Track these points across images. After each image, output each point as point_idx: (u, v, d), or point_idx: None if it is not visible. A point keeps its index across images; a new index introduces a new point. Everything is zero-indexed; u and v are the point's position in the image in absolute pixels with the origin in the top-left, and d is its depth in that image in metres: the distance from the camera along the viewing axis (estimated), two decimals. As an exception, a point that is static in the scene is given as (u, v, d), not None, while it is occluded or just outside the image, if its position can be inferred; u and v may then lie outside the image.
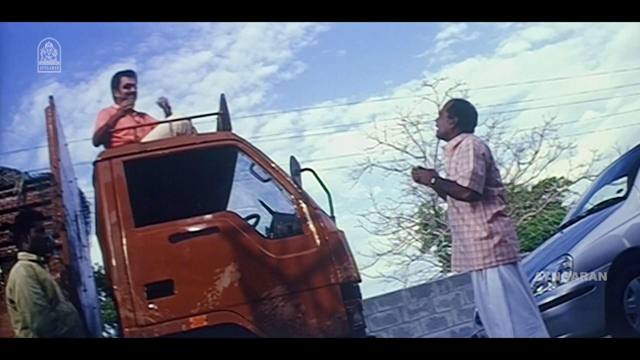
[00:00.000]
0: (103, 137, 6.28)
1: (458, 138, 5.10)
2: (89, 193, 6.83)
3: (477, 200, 4.98)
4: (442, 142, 5.61)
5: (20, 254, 5.27)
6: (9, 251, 5.54)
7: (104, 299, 13.61)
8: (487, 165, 4.96)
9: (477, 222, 4.91)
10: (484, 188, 4.91)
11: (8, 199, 5.87)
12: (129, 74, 6.72)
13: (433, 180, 5.13)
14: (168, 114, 6.41)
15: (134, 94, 6.63)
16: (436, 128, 5.45)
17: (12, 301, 5.12)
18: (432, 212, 23.11)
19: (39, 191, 5.90)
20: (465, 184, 4.88)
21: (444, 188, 5.17)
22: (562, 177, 25.70)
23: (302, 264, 5.58)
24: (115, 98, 6.61)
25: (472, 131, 5.27)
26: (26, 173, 6.05)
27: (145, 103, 6.83)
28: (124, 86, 6.57)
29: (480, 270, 4.88)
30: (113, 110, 6.47)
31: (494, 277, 4.81)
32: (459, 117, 5.19)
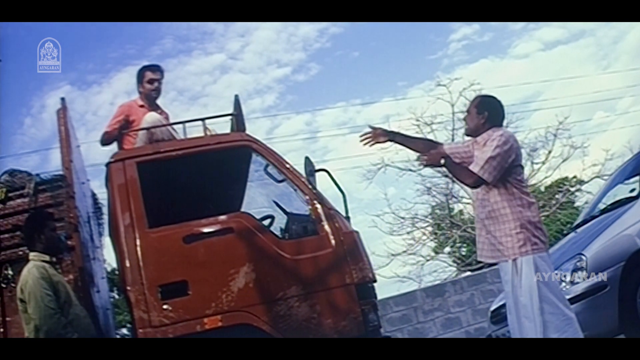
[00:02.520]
0: (113, 135, 6.34)
1: (490, 132, 5.13)
2: (102, 195, 6.82)
3: (478, 187, 5.09)
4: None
5: (32, 254, 5.24)
6: (20, 253, 5.51)
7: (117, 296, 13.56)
8: (516, 155, 5.03)
9: (513, 211, 4.94)
10: (516, 179, 5.00)
11: (19, 200, 5.85)
12: (154, 68, 6.78)
13: (443, 161, 5.17)
14: None
15: (158, 90, 6.70)
16: (465, 126, 5.50)
17: (22, 301, 5.09)
18: (446, 212, 23.10)
19: (50, 193, 5.87)
20: (476, 169, 4.97)
21: (452, 169, 5.26)
22: (575, 177, 25.73)
23: (317, 265, 5.57)
24: (139, 92, 6.68)
25: (502, 125, 5.34)
26: (37, 175, 6.04)
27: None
28: (148, 81, 6.63)
29: (515, 260, 4.89)
30: (135, 105, 6.52)
31: (529, 266, 4.83)
32: (488, 111, 5.23)
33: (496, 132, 5.07)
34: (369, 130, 5.49)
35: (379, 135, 5.46)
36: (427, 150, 5.40)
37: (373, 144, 5.49)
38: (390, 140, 5.51)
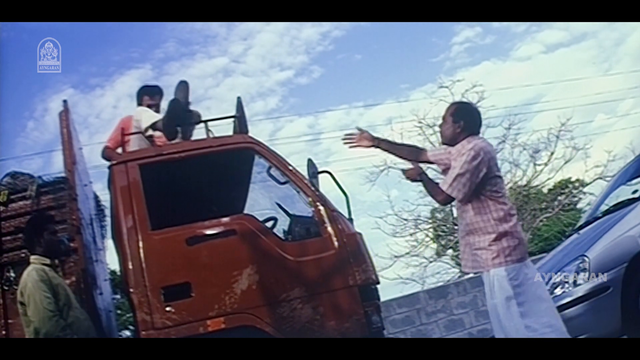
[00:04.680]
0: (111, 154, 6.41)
1: (464, 143, 4.97)
2: (104, 197, 6.84)
3: (449, 204, 5.00)
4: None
5: (32, 258, 5.24)
6: (23, 255, 5.51)
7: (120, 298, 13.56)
8: (488, 168, 4.86)
9: (486, 224, 4.84)
10: (491, 190, 4.87)
11: (21, 202, 5.87)
12: (152, 92, 6.86)
13: (419, 177, 5.09)
14: None
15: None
16: (440, 135, 5.30)
17: (22, 304, 5.09)
18: (448, 215, 23.09)
19: (53, 195, 5.89)
20: (444, 187, 4.87)
21: (425, 186, 5.14)
22: (577, 179, 25.71)
23: (320, 266, 5.57)
24: None
25: (478, 133, 5.18)
26: (40, 177, 6.05)
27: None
28: (147, 106, 6.68)
29: (489, 271, 4.83)
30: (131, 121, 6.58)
31: (502, 278, 4.75)
32: (464, 120, 5.06)
33: (467, 145, 4.91)
34: (355, 132, 5.42)
35: (363, 139, 5.36)
36: (412, 157, 5.38)
37: (355, 147, 5.42)
38: (375, 147, 5.39)
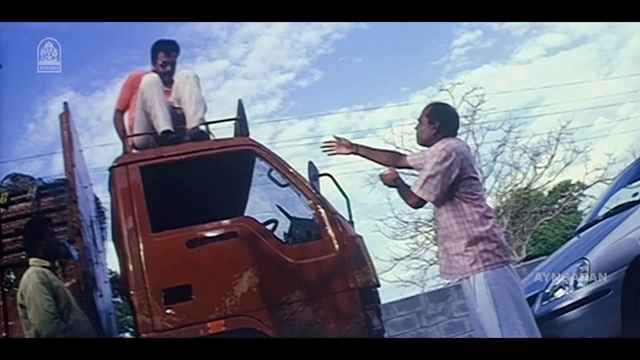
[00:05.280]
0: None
1: (438, 144, 4.87)
2: (105, 199, 6.83)
3: (421, 207, 4.97)
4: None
5: (32, 260, 5.24)
6: (23, 257, 5.49)
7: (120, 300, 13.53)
8: (461, 169, 4.75)
9: (460, 228, 4.74)
10: (466, 192, 4.77)
11: (21, 204, 5.85)
12: (168, 49, 6.67)
13: (394, 183, 5.01)
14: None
15: (171, 72, 6.61)
16: (417, 136, 5.22)
17: (22, 306, 5.09)
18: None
19: (53, 197, 5.87)
20: (415, 190, 4.79)
21: (399, 190, 5.02)
22: (578, 182, 25.77)
23: (320, 269, 5.56)
24: (152, 70, 6.59)
25: (455, 135, 5.09)
26: (40, 179, 6.03)
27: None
28: (161, 64, 6.59)
29: (468, 278, 4.70)
30: (141, 77, 6.41)
31: (481, 284, 4.63)
32: (440, 121, 4.98)
33: (440, 146, 4.82)
34: (333, 139, 5.38)
35: (342, 146, 5.32)
36: (391, 162, 5.33)
37: (334, 154, 5.38)
38: (354, 153, 5.33)
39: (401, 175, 5.05)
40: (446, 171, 4.70)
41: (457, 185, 4.75)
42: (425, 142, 5.07)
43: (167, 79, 6.48)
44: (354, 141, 5.40)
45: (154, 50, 6.63)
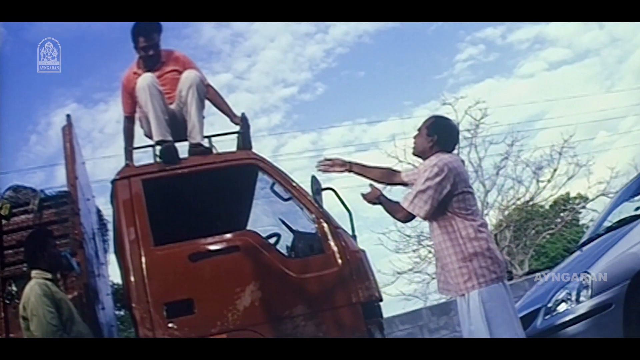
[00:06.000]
0: (132, 116, 6.28)
1: (432, 158, 4.89)
2: (107, 211, 6.81)
3: (410, 220, 5.01)
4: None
5: (33, 272, 5.22)
6: (25, 269, 5.48)
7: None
8: (453, 185, 4.75)
9: (454, 244, 4.74)
10: (459, 207, 4.77)
11: (23, 216, 5.85)
12: (146, 32, 6.16)
13: (377, 200, 5.04)
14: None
15: (156, 54, 6.24)
16: (413, 145, 5.22)
17: (25, 319, 5.08)
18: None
19: (55, 209, 5.87)
20: (405, 204, 4.80)
21: (385, 207, 5.04)
22: (579, 195, 25.81)
23: (323, 283, 5.54)
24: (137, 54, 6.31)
25: (452, 151, 5.10)
26: (42, 191, 6.03)
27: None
28: (142, 48, 6.19)
29: (463, 295, 4.71)
30: (130, 73, 6.30)
31: (475, 300, 4.64)
32: (438, 134, 4.97)
33: (433, 160, 4.83)
34: (327, 160, 5.46)
35: (335, 165, 5.40)
36: (385, 179, 5.41)
37: (328, 172, 5.46)
38: (348, 171, 5.38)
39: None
40: (437, 186, 4.71)
41: (449, 200, 4.76)
42: (420, 153, 5.09)
43: (154, 62, 6.21)
44: (347, 159, 5.46)
45: (134, 35, 6.17)
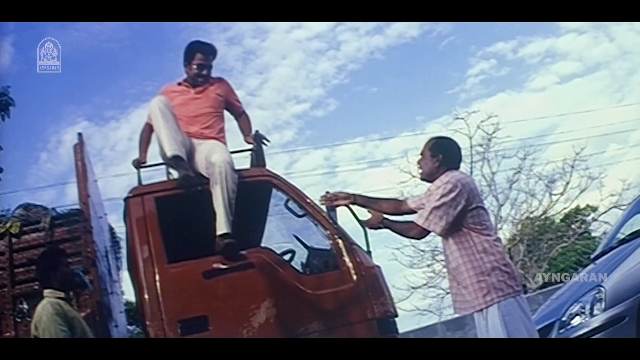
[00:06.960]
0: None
1: (442, 177, 4.92)
2: (119, 228, 6.78)
3: (424, 237, 5.05)
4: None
5: (46, 291, 5.18)
6: (36, 287, 5.47)
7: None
8: (466, 200, 4.78)
9: (471, 259, 4.75)
10: (474, 222, 4.80)
11: (34, 234, 5.85)
12: (206, 50, 6.22)
13: (381, 225, 5.13)
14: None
15: (206, 76, 6.21)
16: (419, 170, 5.28)
17: (37, 338, 5.02)
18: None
19: (67, 227, 5.86)
20: (420, 221, 4.83)
21: (393, 228, 5.12)
22: (590, 207, 25.86)
23: (338, 300, 5.51)
24: (185, 72, 6.26)
25: (458, 167, 5.13)
26: (53, 209, 6.03)
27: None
28: (197, 65, 6.15)
29: (482, 310, 4.69)
30: (169, 89, 6.24)
31: (495, 315, 4.62)
32: (442, 154, 5.02)
33: (444, 178, 4.87)
34: (330, 194, 5.54)
35: (340, 198, 5.49)
36: (392, 209, 5.38)
37: (333, 206, 5.55)
38: (353, 203, 5.44)
39: None
40: (452, 202, 4.74)
41: (463, 215, 4.78)
42: (428, 175, 5.11)
43: (200, 81, 6.17)
44: (350, 191, 5.55)
45: (191, 51, 6.18)
